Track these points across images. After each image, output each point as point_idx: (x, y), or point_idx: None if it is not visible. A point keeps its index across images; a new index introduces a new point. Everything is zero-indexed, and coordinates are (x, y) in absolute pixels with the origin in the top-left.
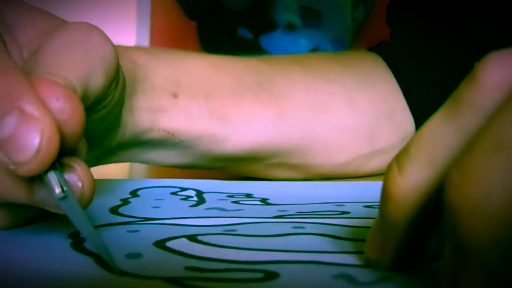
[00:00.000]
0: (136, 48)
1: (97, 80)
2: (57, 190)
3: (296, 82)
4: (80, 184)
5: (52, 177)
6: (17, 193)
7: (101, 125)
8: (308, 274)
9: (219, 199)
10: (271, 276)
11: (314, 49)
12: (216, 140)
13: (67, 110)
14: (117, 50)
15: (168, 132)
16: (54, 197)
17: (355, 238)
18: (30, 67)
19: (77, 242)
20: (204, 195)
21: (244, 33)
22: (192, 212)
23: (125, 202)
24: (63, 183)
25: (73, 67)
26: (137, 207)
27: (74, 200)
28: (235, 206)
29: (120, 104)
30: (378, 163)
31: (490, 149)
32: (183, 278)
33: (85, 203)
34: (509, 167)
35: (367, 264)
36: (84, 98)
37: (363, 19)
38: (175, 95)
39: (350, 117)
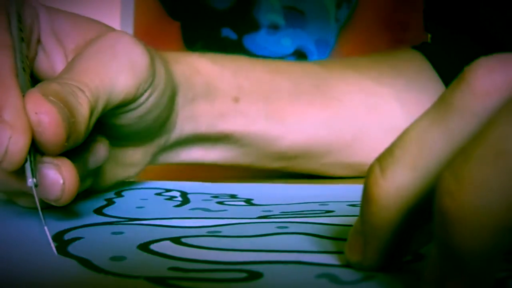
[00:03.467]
0: (202, 56)
1: (124, 82)
2: (29, 179)
3: (349, 84)
4: (61, 181)
5: (27, 169)
6: (12, 182)
7: (142, 123)
8: (291, 274)
9: (203, 200)
10: (254, 276)
11: (298, 50)
12: (271, 139)
13: (44, 123)
14: (177, 56)
15: (226, 134)
16: (28, 185)
17: (339, 237)
18: (63, 72)
19: (62, 245)
20: (189, 196)
21: (227, 33)
22: (176, 212)
23: (109, 202)
24: (35, 175)
25: (97, 72)
26: (121, 207)
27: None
28: (220, 206)
29: (163, 106)
30: None
31: (489, 156)
32: (167, 278)
33: (66, 198)
34: (509, 175)
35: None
36: (110, 99)
37: (347, 19)
38: (236, 100)
39: (401, 118)
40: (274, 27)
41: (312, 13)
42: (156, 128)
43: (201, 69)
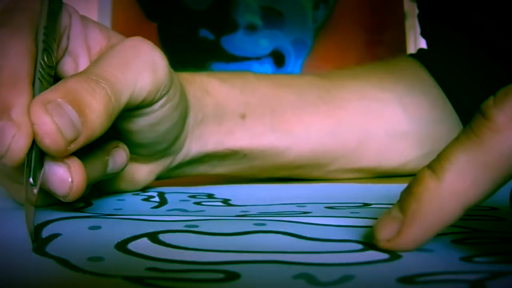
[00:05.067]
0: (211, 76)
1: (147, 79)
2: (26, 178)
3: (351, 92)
4: (70, 180)
5: (26, 169)
6: (15, 175)
7: (152, 133)
8: (268, 274)
9: (181, 200)
10: (231, 276)
11: (275, 50)
12: (278, 152)
13: (39, 134)
14: (188, 77)
15: (232, 150)
16: (26, 182)
17: (317, 237)
18: (88, 68)
19: (39, 245)
20: (166, 195)
21: (205, 34)
22: (154, 214)
23: (87, 203)
24: (32, 175)
25: (120, 68)
26: (99, 208)
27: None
28: (197, 207)
29: (175, 120)
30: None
31: None
32: (144, 277)
33: (73, 196)
34: None
35: (329, 263)
36: (133, 94)
37: (324, 20)
38: (243, 116)
39: (404, 122)
40: (252, 28)
41: (290, 14)
42: (165, 144)
43: (210, 90)
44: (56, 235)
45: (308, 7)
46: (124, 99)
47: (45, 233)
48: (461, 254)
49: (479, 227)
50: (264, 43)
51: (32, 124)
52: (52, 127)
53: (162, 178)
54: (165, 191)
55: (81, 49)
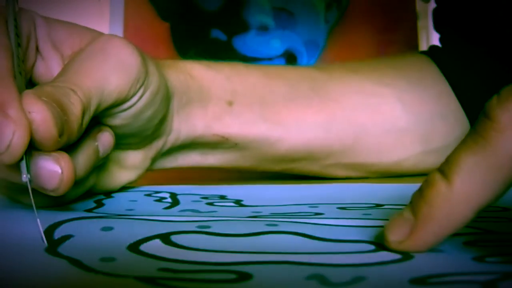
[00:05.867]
0: (196, 62)
1: (116, 82)
2: (23, 175)
3: (348, 86)
4: (60, 171)
5: (22, 165)
6: (9, 176)
7: (137, 123)
8: (281, 275)
9: (193, 201)
10: (244, 277)
11: (287, 51)
12: (269, 142)
13: (36, 121)
14: (170, 62)
15: (222, 137)
16: (22, 180)
17: (328, 237)
18: (57, 76)
19: (52, 246)
20: (178, 197)
21: (217, 34)
22: (166, 214)
23: (99, 204)
24: (28, 170)
25: (88, 74)
26: (111, 209)
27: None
28: (209, 207)
29: (156, 106)
30: (432, 161)
31: None
32: (156, 278)
33: (63, 188)
34: None
35: (341, 264)
36: (102, 98)
37: (336, 21)
38: (230, 104)
39: (403, 118)
40: (264, 28)
41: (302, 14)
42: (152, 129)
43: (194, 74)
44: (68, 236)
45: (321, 8)
46: (93, 105)
47: (58, 233)
48: (473, 255)
49: (491, 228)
50: (276, 44)
51: (28, 113)
52: (48, 114)
53: (156, 169)
54: (177, 192)
55: (50, 51)
